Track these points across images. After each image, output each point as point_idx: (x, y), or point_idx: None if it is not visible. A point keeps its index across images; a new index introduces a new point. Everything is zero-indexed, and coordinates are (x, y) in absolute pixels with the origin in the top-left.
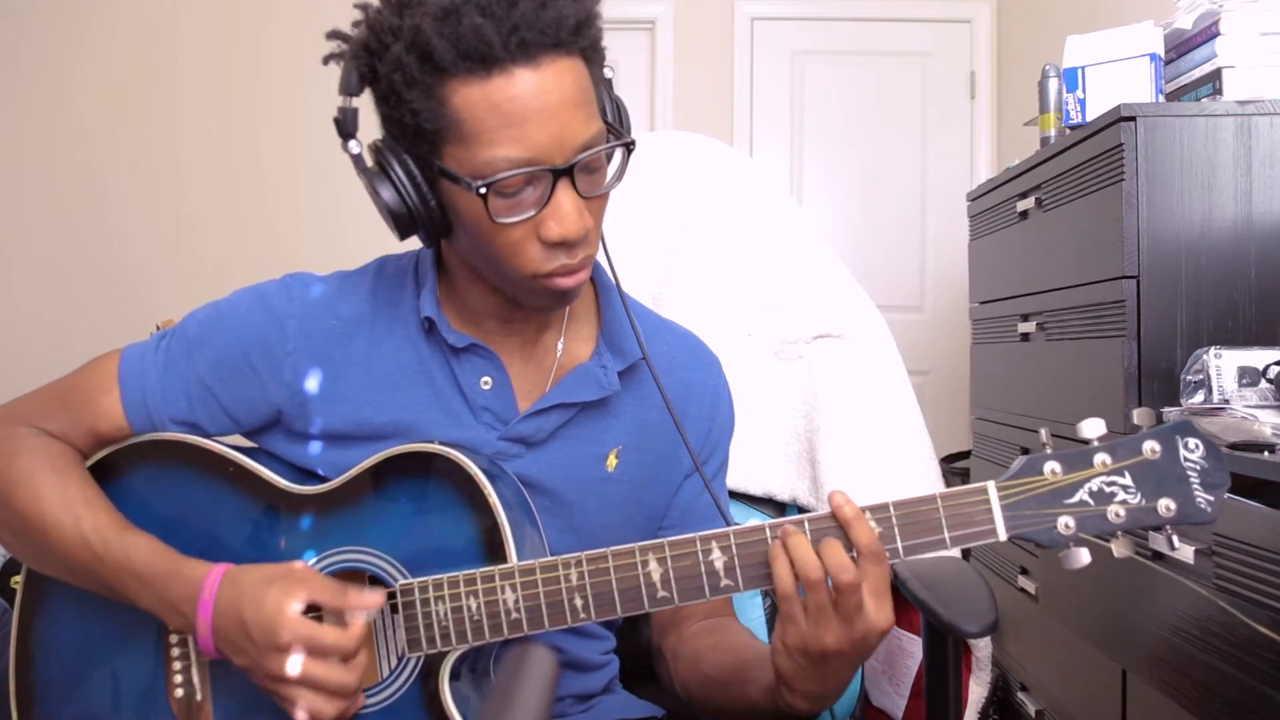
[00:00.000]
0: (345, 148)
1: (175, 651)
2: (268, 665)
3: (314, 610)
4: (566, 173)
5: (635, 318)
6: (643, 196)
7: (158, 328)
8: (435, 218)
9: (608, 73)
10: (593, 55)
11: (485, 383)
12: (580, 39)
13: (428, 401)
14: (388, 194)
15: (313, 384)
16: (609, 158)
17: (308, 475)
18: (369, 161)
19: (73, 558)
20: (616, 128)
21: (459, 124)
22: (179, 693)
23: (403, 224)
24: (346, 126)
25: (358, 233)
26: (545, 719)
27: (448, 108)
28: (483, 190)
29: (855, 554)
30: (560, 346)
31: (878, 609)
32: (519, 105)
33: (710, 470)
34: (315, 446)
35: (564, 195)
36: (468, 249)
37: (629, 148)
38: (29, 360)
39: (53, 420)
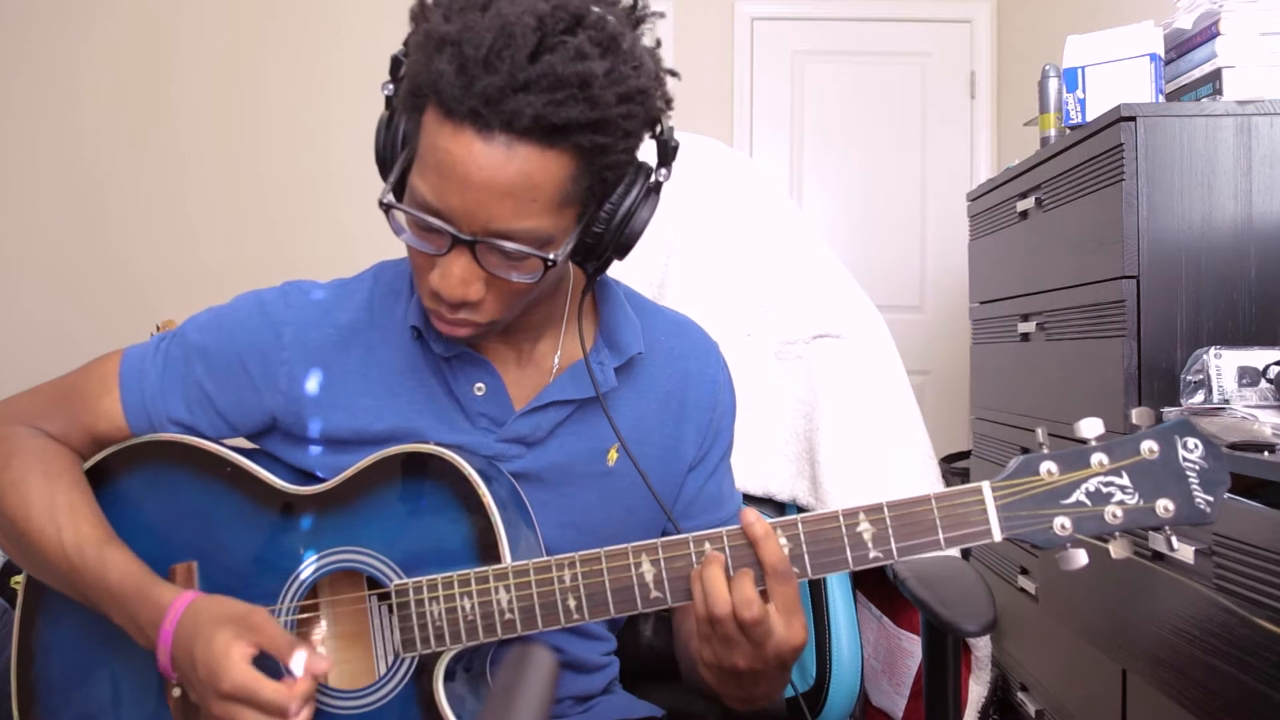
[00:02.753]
0: (383, 86)
1: None
2: (210, 706)
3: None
4: (468, 243)
5: (632, 307)
6: None
7: (158, 328)
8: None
9: (661, 175)
10: (592, 157)
11: (479, 389)
12: (556, 139)
13: (424, 408)
14: (378, 142)
15: (308, 391)
16: (553, 261)
17: (307, 477)
18: (390, 108)
19: (54, 567)
20: (563, 239)
21: (419, 139)
22: (176, 692)
23: (383, 171)
24: (396, 70)
25: (360, 233)
26: (546, 719)
27: (418, 118)
28: (384, 203)
29: (763, 572)
30: (559, 350)
31: (788, 628)
32: (448, 160)
33: (716, 456)
34: (314, 451)
35: (456, 259)
36: None
37: (547, 265)
38: (30, 360)
39: (52, 420)
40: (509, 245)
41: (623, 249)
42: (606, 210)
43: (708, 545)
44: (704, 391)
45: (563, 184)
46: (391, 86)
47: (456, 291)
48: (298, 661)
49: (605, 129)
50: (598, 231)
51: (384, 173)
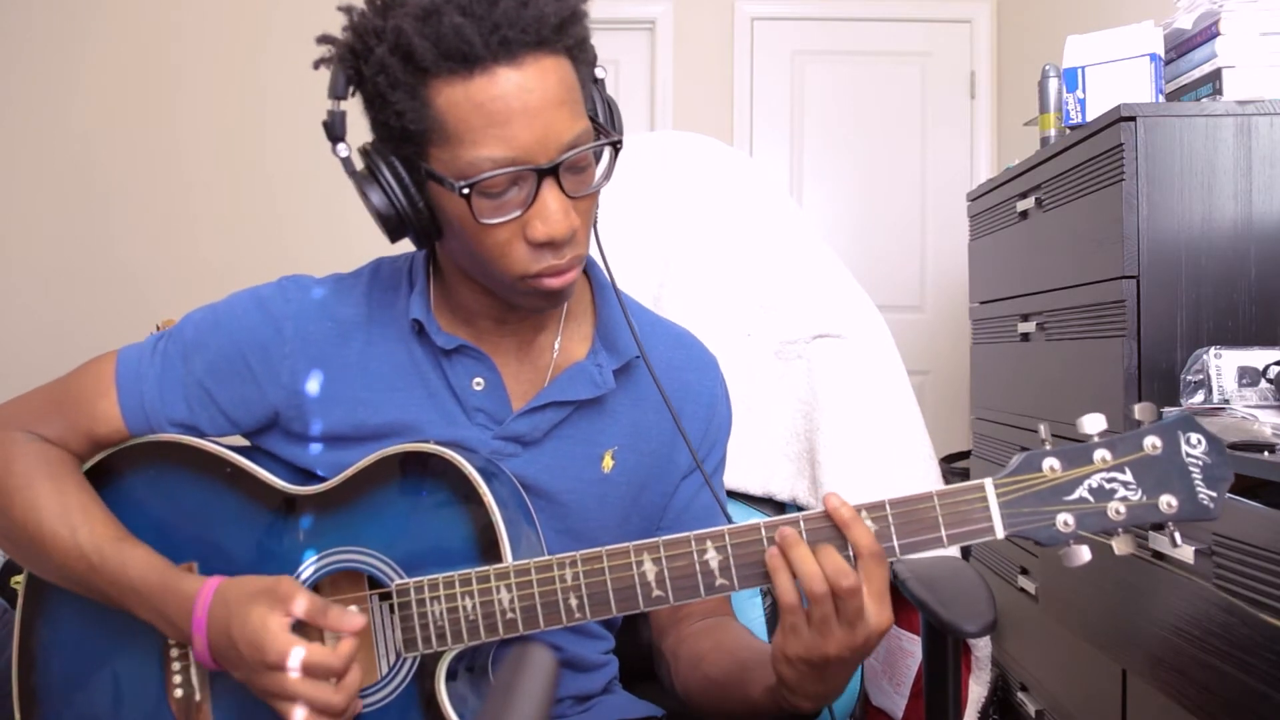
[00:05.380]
0: (334, 151)
1: (174, 652)
2: (258, 681)
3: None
4: (551, 172)
5: (631, 316)
6: (642, 196)
7: (158, 328)
8: (424, 220)
9: (599, 73)
10: (579, 54)
11: (477, 384)
12: (564, 37)
13: (423, 402)
14: (376, 197)
15: (310, 386)
16: (597, 157)
17: (307, 475)
18: (358, 165)
19: (70, 568)
20: (604, 126)
21: (443, 125)
22: (178, 693)
23: (392, 227)
24: (335, 130)
25: (361, 232)
26: (545, 718)
27: (431, 108)
28: (465, 191)
29: (854, 557)
30: (557, 346)
31: (878, 611)
32: (501, 105)
33: (708, 469)
34: (314, 447)
35: (549, 195)
36: (457, 251)
37: (616, 146)
38: (30, 360)
39: (49, 424)
40: (583, 148)
41: (616, 144)
42: (598, 100)
43: (709, 544)
44: (701, 403)
45: (576, 82)
46: (345, 146)
47: (564, 224)
48: (335, 619)
49: (579, 19)
50: (600, 122)
51: (400, 228)
